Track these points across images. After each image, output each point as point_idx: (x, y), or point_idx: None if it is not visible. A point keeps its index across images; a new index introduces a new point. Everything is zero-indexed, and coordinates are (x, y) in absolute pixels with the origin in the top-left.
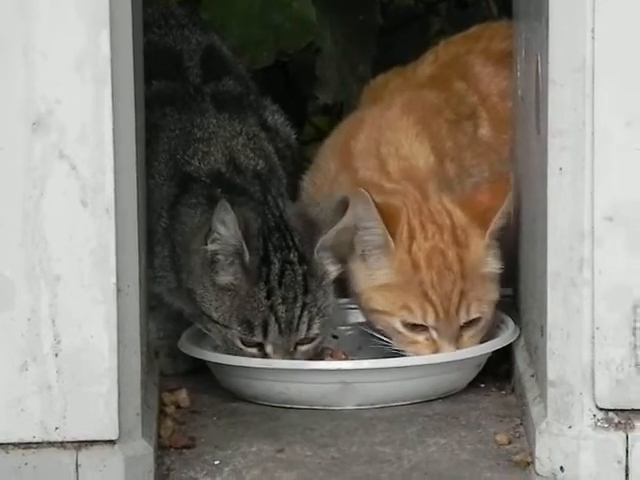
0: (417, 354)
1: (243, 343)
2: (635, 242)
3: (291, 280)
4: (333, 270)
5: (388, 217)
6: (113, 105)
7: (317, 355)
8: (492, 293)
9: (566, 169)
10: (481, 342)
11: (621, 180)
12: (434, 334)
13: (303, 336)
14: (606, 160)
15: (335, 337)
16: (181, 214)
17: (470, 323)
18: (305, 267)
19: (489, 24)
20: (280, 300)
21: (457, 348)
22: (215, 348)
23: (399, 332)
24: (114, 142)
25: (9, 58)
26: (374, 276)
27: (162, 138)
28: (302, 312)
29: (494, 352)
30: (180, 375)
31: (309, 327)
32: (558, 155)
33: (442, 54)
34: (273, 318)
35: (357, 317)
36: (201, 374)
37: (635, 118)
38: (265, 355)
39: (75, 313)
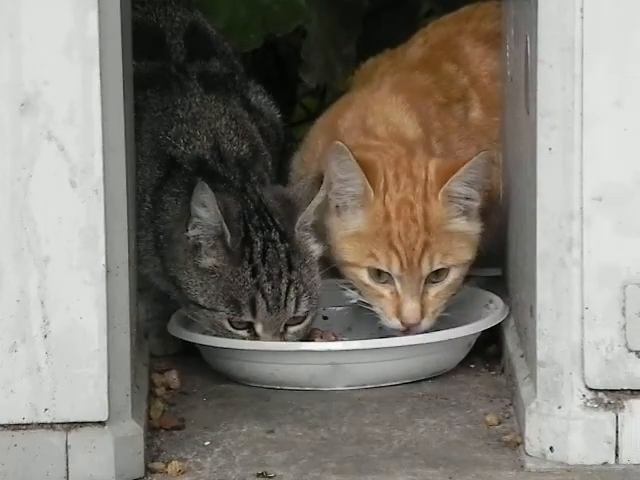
0: (382, 309)
1: (232, 325)
2: (624, 222)
3: (274, 257)
4: (316, 249)
5: (366, 169)
6: (101, 86)
7: (307, 336)
8: (461, 251)
9: (555, 149)
10: (470, 321)
11: (610, 160)
12: (398, 286)
13: (292, 314)
14: (595, 140)
15: (325, 318)
16: (164, 202)
17: (436, 278)
18: (287, 245)
19: (479, 4)
20: (265, 277)
21: (422, 305)
22: (204, 331)
23: (366, 284)
24: (103, 123)
25: None
26: (347, 226)
27: (145, 119)
28: (288, 288)
29: (483, 332)
30: (170, 356)
31: (297, 304)
32: (547, 135)
33: (432, 35)
34: (260, 295)
35: (347, 297)
36: (191, 355)
37: (624, 98)
38: (255, 336)
39: (64, 294)
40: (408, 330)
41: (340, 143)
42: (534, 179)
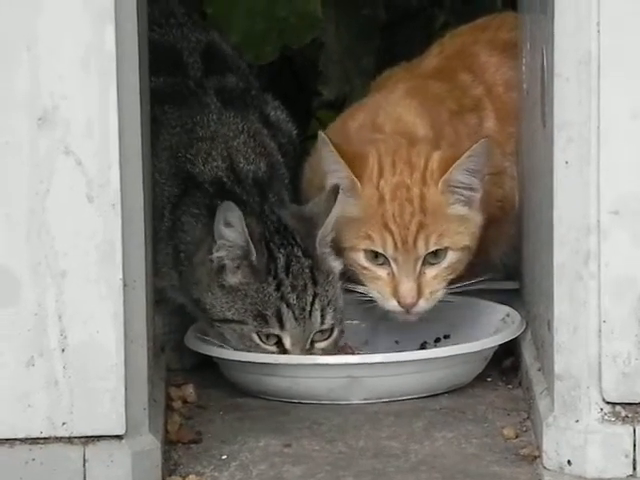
0: (379, 292)
1: (261, 339)
2: None
3: (298, 271)
4: (337, 266)
5: (353, 160)
6: (118, 100)
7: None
8: (459, 235)
9: (572, 162)
10: (487, 335)
11: (627, 173)
12: (394, 267)
13: (319, 326)
14: (612, 153)
15: (342, 332)
16: (183, 223)
17: (434, 260)
18: (310, 261)
19: (496, 14)
20: (290, 289)
21: (418, 285)
22: (221, 344)
23: (364, 267)
24: (120, 137)
25: (13, 53)
26: (343, 212)
27: (163, 134)
28: (314, 300)
29: (499, 346)
30: (187, 370)
31: (323, 316)
32: (564, 148)
33: (448, 45)
34: (285, 306)
35: (363, 311)
36: (208, 369)
37: None
38: (284, 350)
39: (81, 308)
40: (407, 312)
41: (322, 134)
42: (551, 192)
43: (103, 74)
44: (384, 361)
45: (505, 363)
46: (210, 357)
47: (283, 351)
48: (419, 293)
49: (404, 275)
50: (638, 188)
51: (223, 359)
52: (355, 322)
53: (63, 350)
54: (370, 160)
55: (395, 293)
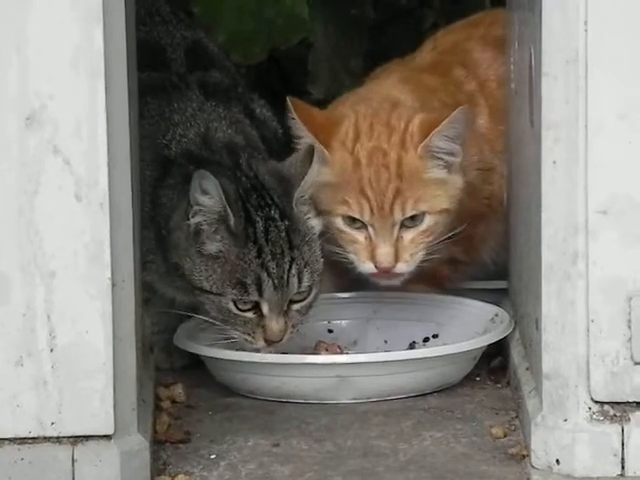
0: (356, 256)
1: (238, 308)
2: (629, 235)
3: (276, 236)
4: (316, 224)
5: (322, 126)
6: (107, 100)
7: (313, 349)
8: (436, 199)
9: (560, 162)
10: (476, 335)
11: (615, 173)
12: (371, 232)
13: (295, 290)
14: (600, 153)
15: (330, 331)
16: (161, 197)
17: (411, 223)
18: (287, 223)
19: (489, 11)
20: (270, 257)
21: (395, 249)
22: (211, 344)
23: (341, 231)
24: (108, 137)
25: (2, 53)
26: (317, 177)
27: (143, 125)
28: (290, 266)
29: (488, 345)
30: (176, 370)
31: (299, 281)
32: (552, 148)
33: (441, 42)
34: (265, 274)
35: (352, 311)
36: (197, 369)
37: (628, 111)
38: (261, 315)
39: (70, 308)
40: (384, 274)
41: (289, 100)
42: (539, 192)
43: (92, 74)
44: (372, 361)
45: (493, 362)
46: (199, 357)
47: (260, 316)
48: (397, 257)
49: (381, 240)
50: (626, 188)
51: (211, 358)
52: (344, 322)
53: (52, 350)
54: (345, 123)
55: (372, 257)
